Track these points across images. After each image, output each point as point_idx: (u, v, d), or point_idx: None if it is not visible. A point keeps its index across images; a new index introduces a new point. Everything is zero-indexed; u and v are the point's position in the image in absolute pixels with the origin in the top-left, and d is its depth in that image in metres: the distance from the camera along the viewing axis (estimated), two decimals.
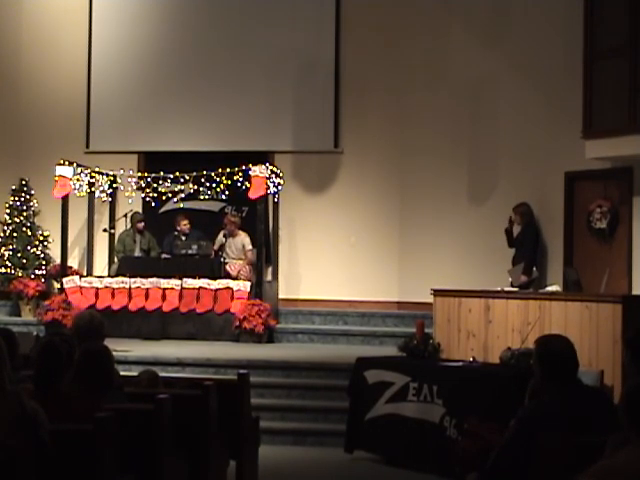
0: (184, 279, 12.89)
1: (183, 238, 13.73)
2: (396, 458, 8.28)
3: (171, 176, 13.67)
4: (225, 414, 6.50)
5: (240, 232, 13.62)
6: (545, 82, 12.24)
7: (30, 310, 13.83)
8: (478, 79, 13.18)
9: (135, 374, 6.85)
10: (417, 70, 13.74)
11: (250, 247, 13.44)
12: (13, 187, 14.64)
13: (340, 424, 8.95)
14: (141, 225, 13.98)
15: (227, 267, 13.28)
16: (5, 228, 14.50)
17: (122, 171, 14.14)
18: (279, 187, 13.61)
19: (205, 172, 13.47)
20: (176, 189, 13.73)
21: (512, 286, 10.85)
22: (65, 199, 13.62)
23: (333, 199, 14.24)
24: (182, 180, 13.58)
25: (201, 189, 13.53)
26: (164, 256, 13.68)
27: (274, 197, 13.83)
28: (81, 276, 13.56)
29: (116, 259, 14.06)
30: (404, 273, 13.73)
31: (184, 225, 13.80)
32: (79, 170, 13.81)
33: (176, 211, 14.15)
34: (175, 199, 14.00)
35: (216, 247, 13.61)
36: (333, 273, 14.02)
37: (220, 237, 13.65)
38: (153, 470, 5.39)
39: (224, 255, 13.48)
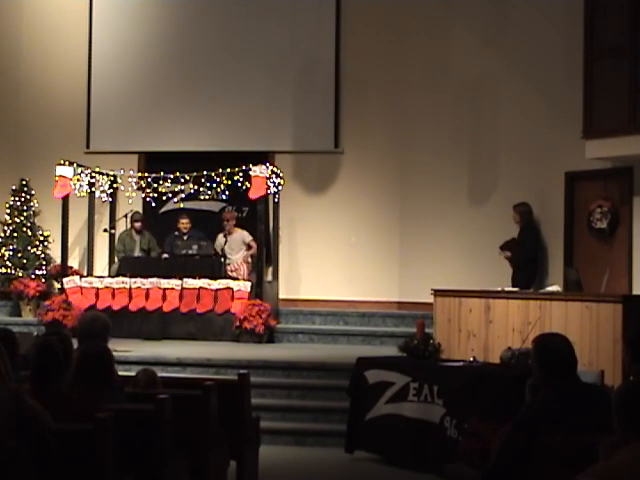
0: (184, 279, 12.88)
1: (184, 238, 13.73)
2: (396, 458, 8.27)
3: (171, 176, 13.67)
4: (225, 414, 6.50)
5: (237, 229, 13.63)
6: (545, 82, 12.23)
7: (30, 310, 13.84)
8: (478, 79, 13.18)
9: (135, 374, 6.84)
10: (417, 70, 13.74)
11: (251, 238, 13.45)
12: (13, 187, 14.64)
13: (340, 424, 8.95)
14: (138, 225, 13.96)
15: (228, 267, 13.30)
16: (5, 228, 14.50)
17: (122, 171, 14.14)
18: (279, 187, 13.60)
19: (205, 172, 13.47)
20: (176, 189, 13.73)
21: (512, 285, 10.86)
22: (65, 199, 13.62)
23: (333, 199, 14.24)
24: (182, 180, 13.58)
25: (201, 189, 13.53)
26: (164, 256, 13.67)
27: (274, 197, 13.82)
28: (81, 276, 13.55)
29: (116, 259, 14.06)
30: (404, 273, 13.73)
31: (184, 225, 13.80)
32: (79, 170, 13.80)
33: (176, 211, 14.15)
34: (175, 199, 14.02)
35: (218, 249, 13.57)
36: (333, 273, 14.01)
37: (220, 240, 13.61)
38: (153, 470, 5.38)
39: (226, 255, 13.46)
